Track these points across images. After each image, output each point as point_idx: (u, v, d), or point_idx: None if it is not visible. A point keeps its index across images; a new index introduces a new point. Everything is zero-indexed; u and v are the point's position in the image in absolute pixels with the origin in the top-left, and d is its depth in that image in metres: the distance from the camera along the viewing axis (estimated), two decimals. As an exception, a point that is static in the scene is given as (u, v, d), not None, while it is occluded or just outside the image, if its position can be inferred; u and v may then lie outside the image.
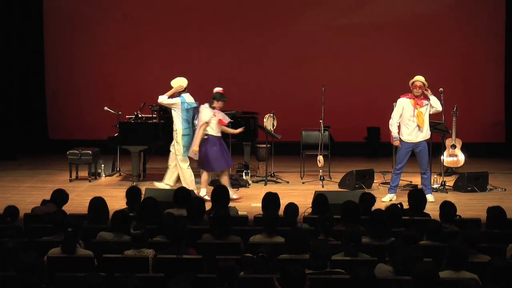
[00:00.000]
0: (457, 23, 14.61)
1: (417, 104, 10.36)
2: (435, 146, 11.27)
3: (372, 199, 8.13)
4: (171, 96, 10.85)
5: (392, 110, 10.90)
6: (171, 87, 10.84)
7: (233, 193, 10.26)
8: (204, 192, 10.34)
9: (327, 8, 14.75)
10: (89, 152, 11.91)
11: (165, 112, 11.99)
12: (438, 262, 5.87)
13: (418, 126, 10.35)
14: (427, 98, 10.38)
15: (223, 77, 14.63)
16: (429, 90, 10.38)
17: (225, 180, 10.43)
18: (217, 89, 10.80)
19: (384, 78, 14.31)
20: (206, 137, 10.42)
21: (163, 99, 10.82)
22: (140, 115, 11.82)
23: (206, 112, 10.43)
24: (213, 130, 10.46)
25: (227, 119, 10.60)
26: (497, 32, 14.53)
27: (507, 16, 14.46)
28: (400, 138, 10.43)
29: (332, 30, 14.69)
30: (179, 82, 10.90)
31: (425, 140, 10.44)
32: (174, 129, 10.85)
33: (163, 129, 11.60)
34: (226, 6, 14.77)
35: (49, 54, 14.95)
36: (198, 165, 10.60)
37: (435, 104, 10.37)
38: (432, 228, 6.69)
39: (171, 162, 11.02)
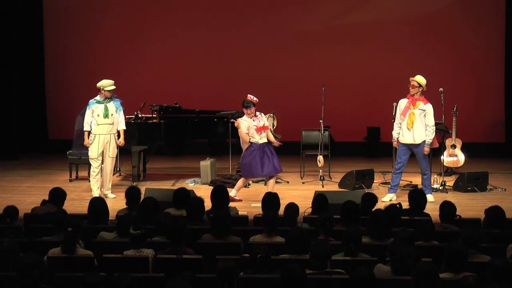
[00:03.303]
0: (457, 23, 14.61)
1: (411, 104, 10.33)
2: (435, 146, 11.27)
3: (374, 198, 8.11)
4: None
5: (392, 110, 10.94)
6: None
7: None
8: (234, 193, 10.32)
9: (327, 8, 14.75)
10: (89, 152, 11.91)
11: (165, 112, 12.00)
12: (437, 263, 5.87)
13: (407, 127, 10.31)
14: (426, 101, 10.33)
15: (223, 77, 14.67)
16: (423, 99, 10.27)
17: (270, 185, 10.35)
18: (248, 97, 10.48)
19: (384, 78, 14.31)
20: (250, 144, 10.24)
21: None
22: (140, 115, 11.82)
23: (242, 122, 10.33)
24: (254, 138, 10.24)
25: (261, 124, 10.29)
26: (497, 32, 14.54)
27: (507, 16, 14.46)
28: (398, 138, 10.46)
29: (332, 30, 14.69)
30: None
31: (420, 143, 10.33)
32: (115, 131, 10.66)
33: (163, 129, 11.60)
34: (226, 6, 14.76)
35: (49, 54, 14.96)
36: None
37: (428, 115, 10.25)
38: (424, 229, 6.68)
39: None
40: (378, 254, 6.15)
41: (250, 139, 10.21)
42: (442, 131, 11.33)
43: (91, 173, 10.74)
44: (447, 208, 7.39)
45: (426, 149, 10.34)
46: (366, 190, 10.23)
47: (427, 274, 5.21)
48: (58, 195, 8.09)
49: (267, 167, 10.22)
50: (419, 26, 14.53)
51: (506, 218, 7.29)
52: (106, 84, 10.58)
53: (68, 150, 12.07)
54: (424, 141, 10.32)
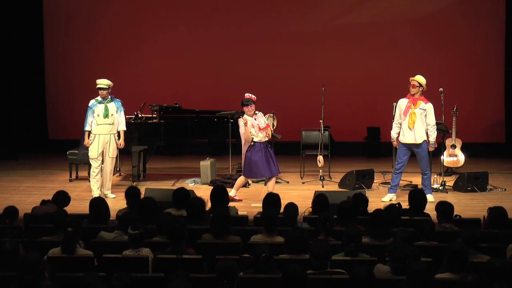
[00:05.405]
0: (457, 23, 14.60)
1: (412, 103, 10.32)
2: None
3: (364, 200, 8.00)
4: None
5: (392, 110, 10.94)
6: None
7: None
8: (234, 193, 10.31)
9: (327, 8, 14.75)
10: (89, 152, 11.90)
11: (165, 112, 12.00)
12: (437, 263, 5.87)
13: (409, 127, 10.30)
14: (426, 100, 10.32)
15: (223, 77, 14.66)
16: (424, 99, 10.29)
17: (270, 185, 10.32)
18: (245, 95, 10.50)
19: (384, 78, 14.31)
20: (252, 143, 10.23)
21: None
22: (140, 115, 11.82)
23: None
24: (256, 137, 10.22)
25: (262, 124, 10.27)
26: (497, 32, 14.53)
27: (507, 16, 14.46)
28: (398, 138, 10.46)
29: (332, 30, 14.69)
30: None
31: (422, 143, 10.34)
32: (115, 132, 10.61)
33: (163, 129, 11.60)
34: (226, 6, 14.77)
35: (49, 54, 14.96)
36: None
37: (429, 114, 10.29)
38: (425, 229, 6.68)
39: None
40: (378, 254, 6.15)
41: (252, 138, 10.21)
42: (442, 131, 11.34)
43: (91, 173, 10.74)
44: (443, 207, 7.35)
45: (431, 148, 10.38)
46: (366, 190, 10.25)
47: (421, 274, 5.22)
48: (62, 198, 8.09)
49: (270, 168, 10.23)
50: (419, 26, 14.53)
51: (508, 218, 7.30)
52: (98, 82, 10.58)
53: (68, 150, 12.06)
54: (425, 140, 10.33)
